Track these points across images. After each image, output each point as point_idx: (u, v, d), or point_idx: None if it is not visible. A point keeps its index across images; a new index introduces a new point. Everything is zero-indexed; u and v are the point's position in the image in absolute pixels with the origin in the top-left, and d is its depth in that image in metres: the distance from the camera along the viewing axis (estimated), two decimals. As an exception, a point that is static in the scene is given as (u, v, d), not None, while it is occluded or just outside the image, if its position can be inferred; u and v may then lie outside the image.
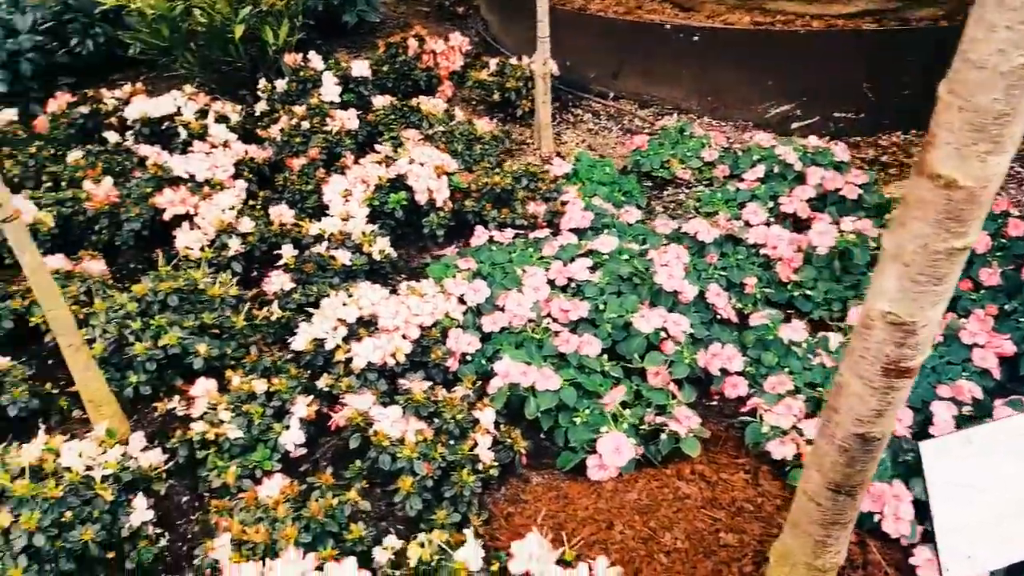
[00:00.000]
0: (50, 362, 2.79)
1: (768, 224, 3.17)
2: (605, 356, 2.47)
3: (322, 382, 2.43)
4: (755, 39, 4.06)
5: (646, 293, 2.69)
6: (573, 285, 2.80)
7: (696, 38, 4.06)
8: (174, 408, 2.47)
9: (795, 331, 2.61)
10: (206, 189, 3.14)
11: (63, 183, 3.44)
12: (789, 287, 2.96)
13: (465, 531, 1.79)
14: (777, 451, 2.20)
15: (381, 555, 1.84)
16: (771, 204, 3.33)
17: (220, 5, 3.69)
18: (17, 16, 4.38)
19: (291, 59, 4.03)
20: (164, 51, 3.89)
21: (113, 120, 3.90)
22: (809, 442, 2.21)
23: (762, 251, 3.04)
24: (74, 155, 3.58)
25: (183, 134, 3.59)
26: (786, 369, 2.53)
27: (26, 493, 1.98)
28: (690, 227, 3.02)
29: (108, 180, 3.31)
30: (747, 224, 3.16)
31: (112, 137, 3.65)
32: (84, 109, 3.91)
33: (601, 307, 2.64)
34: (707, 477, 2.17)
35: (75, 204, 3.18)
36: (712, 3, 4.81)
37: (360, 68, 3.97)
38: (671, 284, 2.65)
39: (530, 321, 2.61)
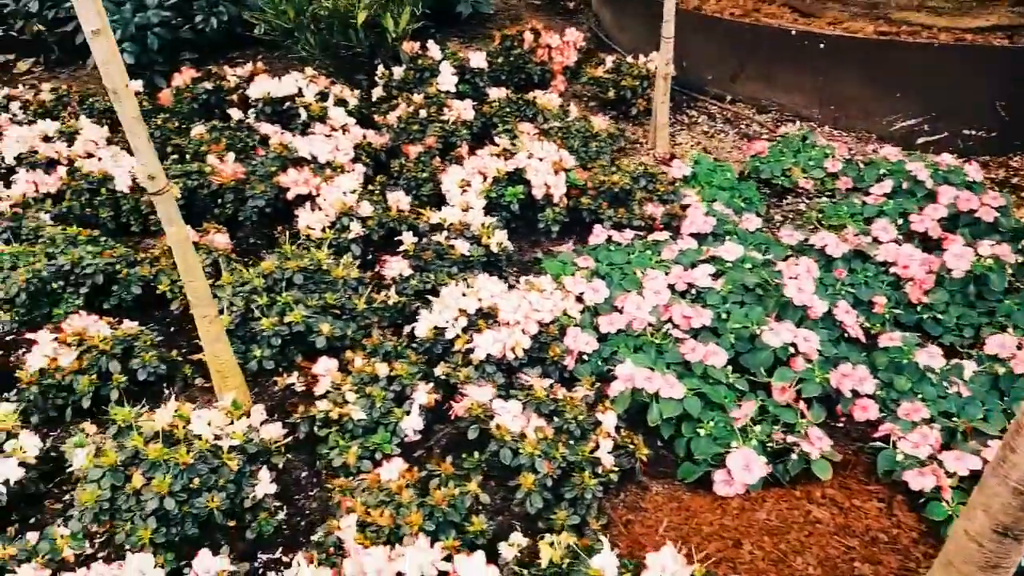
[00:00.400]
0: (172, 329, 2.88)
1: (898, 242, 3.03)
2: (730, 368, 2.39)
3: (439, 370, 2.43)
4: (882, 50, 3.89)
5: (772, 305, 2.59)
6: (693, 291, 2.72)
7: (822, 46, 3.91)
8: (293, 384, 2.51)
9: (931, 357, 2.48)
10: (328, 171, 3.18)
11: (187, 156, 3.55)
12: (919, 309, 2.81)
13: (602, 538, 1.75)
14: (915, 482, 2.09)
15: (507, 552, 1.82)
16: (900, 221, 3.18)
17: (345, -10, 3.74)
18: (148, -8, 4.54)
19: (408, 47, 4.05)
20: (287, 33, 3.96)
21: (235, 97, 4.00)
22: (949, 475, 2.09)
23: (891, 269, 2.91)
24: (198, 129, 3.69)
25: (303, 115, 3.65)
26: (919, 396, 2.41)
27: (159, 457, 2.02)
28: (818, 240, 2.90)
29: (231, 156, 3.39)
30: (876, 240, 3.02)
31: (235, 114, 3.74)
32: (208, 85, 4.02)
33: (724, 316, 2.56)
34: (839, 502, 2.07)
35: (200, 177, 3.27)
36: (835, 10, 4.64)
37: (478, 60, 3.97)
38: (800, 298, 2.55)
39: (649, 325, 2.55)
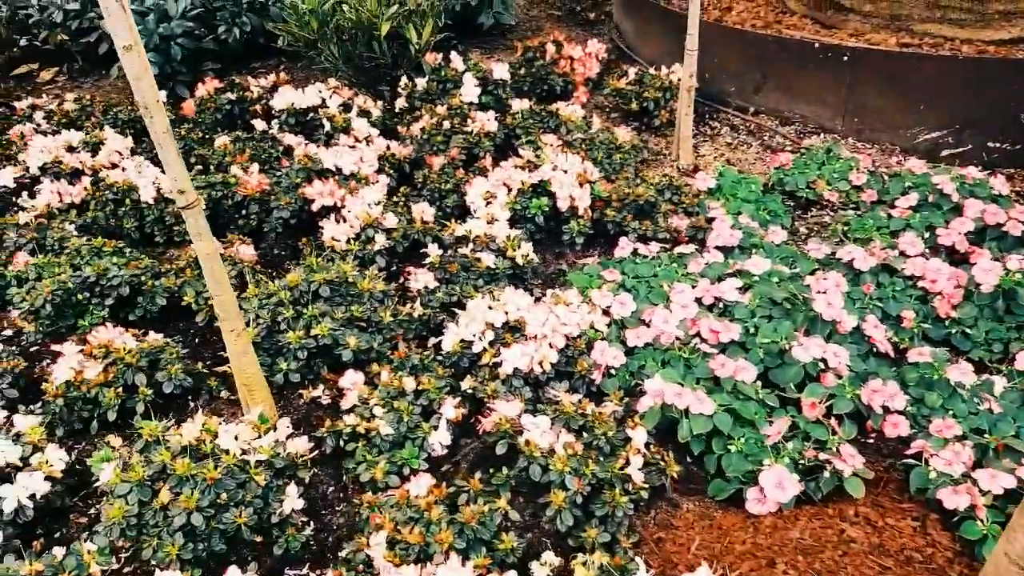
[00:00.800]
0: (197, 340, 2.88)
1: (925, 256, 3.00)
2: (759, 383, 2.36)
3: (466, 383, 2.42)
4: (905, 62, 3.86)
5: (801, 320, 2.57)
6: (720, 305, 2.70)
7: (846, 58, 3.89)
8: (319, 397, 2.51)
9: (963, 373, 2.45)
10: (352, 183, 3.18)
11: (211, 166, 3.56)
12: (947, 323, 2.78)
13: (636, 558, 1.73)
14: (949, 500, 2.05)
15: (539, 571, 1.80)
16: (926, 234, 3.15)
17: (369, 3, 3.75)
18: (170, 2, 4.58)
19: (431, 58, 4.06)
20: (310, 44, 3.98)
21: (258, 108, 4.01)
22: (983, 493, 2.06)
23: (919, 284, 2.88)
24: (221, 140, 3.70)
25: (327, 126, 3.66)
26: (950, 412, 2.37)
27: (186, 472, 2.01)
28: (845, 253, 2.88)
29: (255, 167, 3.40)
30: (903, 254, 2.99)
31: (259, 125, 3.75)
32: (231, 96, 4.04)
33: (752, 330, 2.54)
34: (872, 521, 2.04)
35: (224, 188, 3.28)
36: (856, 22, 4.62)
37: (500, 71, 3.97)
38: (830, 313, 2.52)
39: (677, 339, 2.53)
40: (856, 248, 2.90)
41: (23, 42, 5.01)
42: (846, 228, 3.27)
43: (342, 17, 3.80)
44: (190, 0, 4.59)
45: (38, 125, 4.09)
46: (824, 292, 2.61)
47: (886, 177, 3.58)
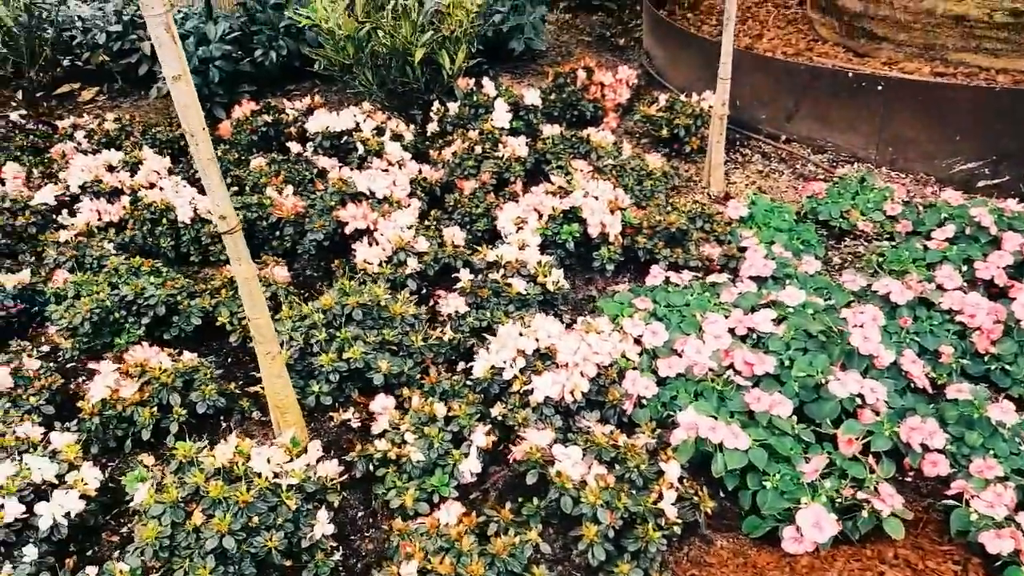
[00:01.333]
0: (229, 360, 2.90)
1: (963, 289, 2.95)
2: (794, 418, 2.33)
3: (496, 410, 2.41)
4: (940, 92, 3.83)
5: (837, 354, 2.53)
6: (754, 336, 2.67)
7: (879, 87, 3.86)
8: (349, 420, 2.51)
9: (1004, 411, 2.39)
10: (385, 206, 3.21)
11: (247, 187, 3.61)
12: (986, 359, 2.72)
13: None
14: (992, 545, 2.00)
15: (572, 606, 1.78)
16: (964, 267, 3.10)
17: (404, 29, 3.80)
18: (210, 26, 4.67)
19: (463, 83, 4.10)
20: (345, 68, 4.03)
21: (293, 130, 4.07)
22: (1028, 538, 2.01)
23: (957, 318, 2.83)
24: (257, 161, 3.75)
25: (360, 149, 3.70)
26: (991, 451, 2.32)
27: (219, 495, 2.02)
28: (881, 286, 2.84)
29: (289, 189, 3.44)
30: (940, 288, 2.95)
31: (294, 147, 3.80)
32: (267, 118, 4.10)
33: (787, 363, 2.51)
34: (912, 564, 2.00)
35: (260, 210, 3.32)
36: (889, 50, 4.59)
37: (532, 97, 4.00)
38: (867, 347, 2.48)
39: (710, 371, 2.51)
40: (892, 281, 2.87)
41: (66, 62, 5.14)
42: (881, 259, 3.23)
43: (377, 43, 3.85)
44: (229, 24, 4.68)
45: (79, 144, 4.18)
46: (860, 326, 2.57)
47: (921, 208, 3.54)
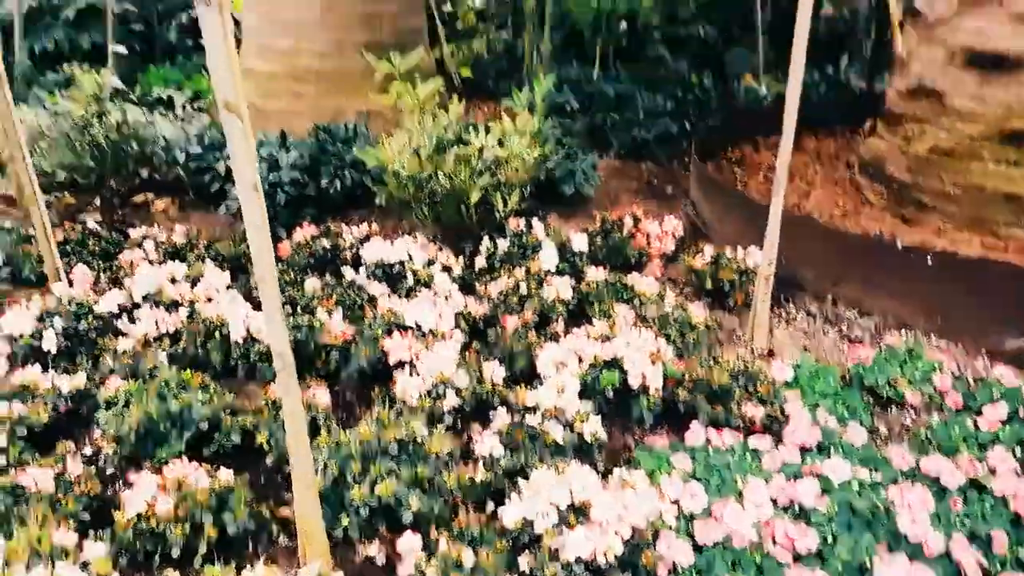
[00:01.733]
0: (263, 479, 2.90)
1: (1016, 473, 2.85)
2: (836, 600, 2.23)
3: (524, 561, 2.36)
4: (992, 266, 3.85)
5: (883, 534, 2.44)
6: (796, 506, 2.59)
7: (929, 260, 3.89)
8: (374, 556, 2.47)
9: (1064, 614, 2.25)
10: (429, 338, 3.27)
11: (299, 307, 3.72)
12: (1043, 551, 2.59)
13: None
14: None
15: None
16: (1017, 450, 3.01)
17: (462, 174, 4.02)
18: (282, 153, 4.98)
19: (514, 223, 4.26)
20: (404, 203, 4.25)
21: (348, 255, 4.23)
22: None
23: (1011, 504, 2.71)
24: (312, 283, 3.89)
25: (410, 279, 3.82)
26: (1050, 658, 2.17)
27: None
28: (931, 466, 2.76)
29: (339, 312, 3.54)
30: (992, 471, 2.85)
31: (348, 273, 3.95)
32: (326, 243, 4.28)
33: (829, 539, 2.42)
34: None
35: (310, 332, 3.41)
36: (937, 219, 4.65)
37: (579, 242, 4.13)
38: (915, 532, 2.39)
39: (751, 542, 2.42)
40: (943, 460, 2.79)
41: (144, 173, 5.48)
42: (929, 433, 3.15)
43: (436, 184, 4.07)
44: (299, 152, 4.98)
45: (146, 254, 4.37)
46: (909, 507, 2.49)
47: (971, 382, 3.48)
